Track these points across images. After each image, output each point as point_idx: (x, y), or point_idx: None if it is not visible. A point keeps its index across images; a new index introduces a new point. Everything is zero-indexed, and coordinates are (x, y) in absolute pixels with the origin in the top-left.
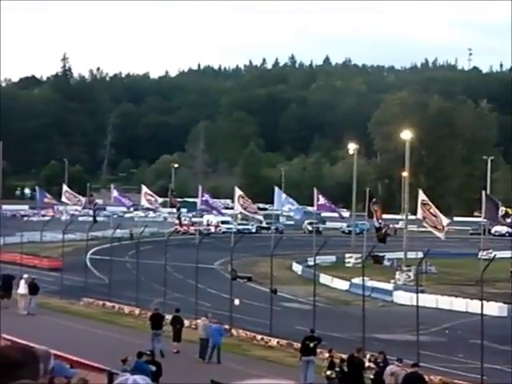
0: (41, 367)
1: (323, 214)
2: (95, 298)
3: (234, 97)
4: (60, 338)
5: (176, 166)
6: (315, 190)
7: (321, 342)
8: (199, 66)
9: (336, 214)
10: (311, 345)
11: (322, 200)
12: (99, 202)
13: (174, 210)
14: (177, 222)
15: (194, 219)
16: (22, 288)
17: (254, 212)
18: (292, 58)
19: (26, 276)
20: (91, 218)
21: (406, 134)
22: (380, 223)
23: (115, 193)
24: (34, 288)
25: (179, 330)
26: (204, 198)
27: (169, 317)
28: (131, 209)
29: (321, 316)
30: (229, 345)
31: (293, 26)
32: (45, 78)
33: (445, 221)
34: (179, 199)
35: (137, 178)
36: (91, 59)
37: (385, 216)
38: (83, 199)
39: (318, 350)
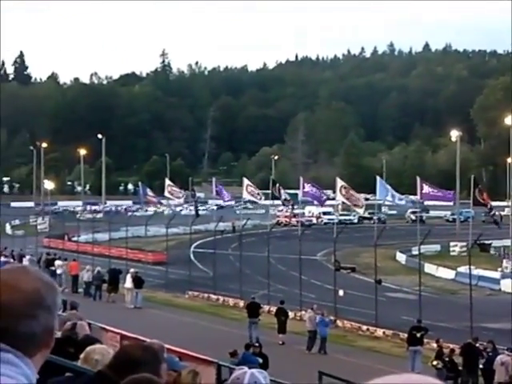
0: (163, 367)
1: (426, 203)
2: (200, 290)
3: (333, 87)
4: (167, 330)
5: (276, 157)
6: (418, 179)
7: (428, 331)
8: (297, 56)
9: (440, 203)
10: (418, 335)
11: (426, 188)
12: (201, 195)
13: (279, 202)
14: (279, 214)
15: (295, 211)
16: (129, 282)
17: (356, 203)
18: (391, 45)
19: (132, 270)
20: (193, 212)
21: (511, 120)
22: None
23: (217, 186)
24: (138, 282)
25: (284, 321)
26: (305, 190)
27: (273, 309)
28: (232, 202)
29: (427, 306)
30: (334, 336)
31: (391, 13)
32: (144, 75)
33: None
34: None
35: (237, 170)
36: (190, 54)
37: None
38: (185, 193)
39: (425, 340)
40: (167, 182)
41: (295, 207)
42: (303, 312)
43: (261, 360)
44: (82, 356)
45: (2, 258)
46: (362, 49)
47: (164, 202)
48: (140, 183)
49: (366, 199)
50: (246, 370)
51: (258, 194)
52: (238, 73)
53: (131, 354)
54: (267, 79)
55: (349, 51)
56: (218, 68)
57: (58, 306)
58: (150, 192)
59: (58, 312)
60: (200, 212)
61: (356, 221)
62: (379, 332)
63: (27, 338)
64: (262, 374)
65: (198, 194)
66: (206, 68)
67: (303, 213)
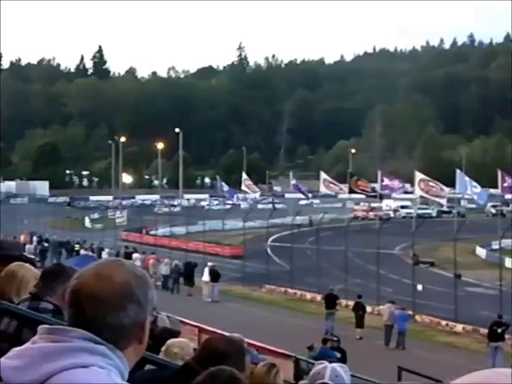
0: (247, 359)
1: (507, 196)
2: (277, 284)
3: (411, 79)
4: (244, 324)
5: (353, 151)
6: (499, 172)
7: (509, 327)
8: (375, 48)
9: None
10: (499, 330)
11: (508, 181)
12: (277, 189)
13: (356, 196)
14: (356, 207)
15: (372, 204)
16: (206, 276)
17: (438, 194)
18: (471, 36)
19: (209, 264)
20: (270, 206)
21: None
22: None
23: (293, 180)
24: (215, 275)
25: (361, 316)
26: (384, 183)
27: (351, 303)
28: (310, 195)
29: (507, 301)
30: (413, 331)
31: (472, 4)
32: (221, 68)
33: None
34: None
35: (314, 164)
36: (266, 47)
37: None
38: (262, 187)
39: (507, 336)
40: (244, 176)
41: (377, 196)
42: (381, 306)
43: (339, 354)
44: (163, 349)
45: (82, 251)
46: (441, 40)
47: (241, 195)
48: (217, 177)
49: None
50: (327, 365)
51: (341, 188)
52: (315, 65)
53: (216, 346)
54: (344, 72)
55: (428, 42)
56: (294, 61)
57: (150, 300)
58: (224, 187)
59: (151, 306)
60: (276, 206)
61: (435, 214)
62: (459, 327)
63: (115, 329)
64: (342, 368)
65: (275, 188)
66: (282, 61)
67: (381, 206)
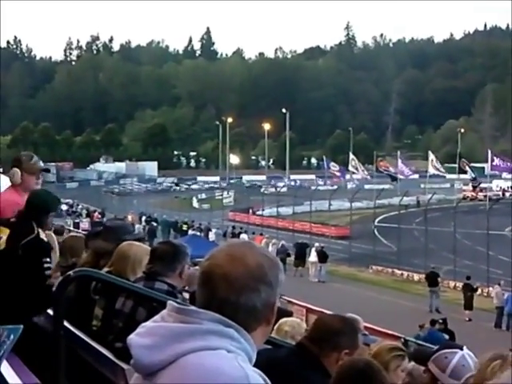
0: (359, 338)
1: None
2: (384, 265)
3: None
4: (351, 304)
5: (462, 131)
6: None
7: None
8: (485, 26)
9: None
10: None
11: None
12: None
13: (466, 176)
14: (465, 188)
15: (482, 185)
16: (313, 256)
17: None
18: None
19: (316, 244)
20: (377, 186)
21: None
22: None
23: (401, 160)
24: (322, 256)
25: (470, 297)
26: (494, 163)
27: (459, 284)
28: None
29: None
30: None
31: None
32: (328, 48)
33: None
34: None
35: (422, 144)
36: (374, 26)
37: None
38: (369, 167)
39: None
40: (351, 156)
41: (481, 182)
42: (490, 288)
43: (447, 336)
44: (275, 327)
45: (190, 231)
46: None
47: (348, 176)
48: (324, 157)
49: None
50: (458, 352)
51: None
52: (424, 44)
53: (329, 324)
54: (454, 50)
55: None
56: (403, 40)
57: (281, 282)
58: (333, 166)
59: (280, 288)
60: (384, 186)
61: None
62: None
63: (248, 310)
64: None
65: (389, 167)
66: (391, 40)
67: (491, 187)
